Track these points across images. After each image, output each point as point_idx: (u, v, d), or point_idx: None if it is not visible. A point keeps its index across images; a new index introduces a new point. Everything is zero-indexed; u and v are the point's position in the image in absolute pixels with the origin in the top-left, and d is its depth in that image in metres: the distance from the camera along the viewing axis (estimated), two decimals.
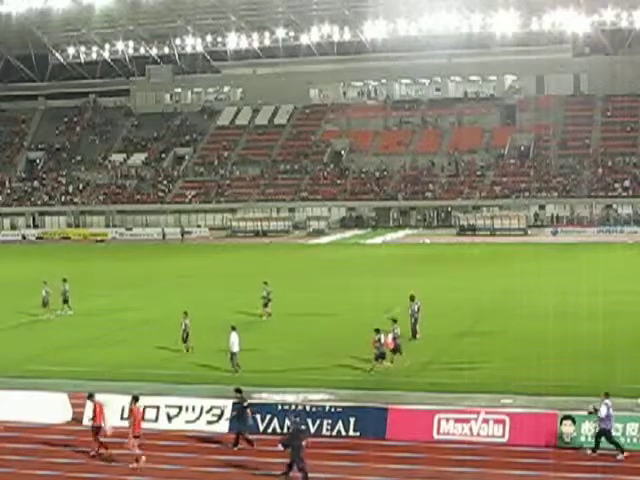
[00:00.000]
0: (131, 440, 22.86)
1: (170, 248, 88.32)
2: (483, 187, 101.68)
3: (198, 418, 25.72)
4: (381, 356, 31.18)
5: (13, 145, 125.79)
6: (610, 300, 44.53)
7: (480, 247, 79.34)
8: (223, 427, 25.23)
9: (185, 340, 34.98)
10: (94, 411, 23.71)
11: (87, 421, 24.24)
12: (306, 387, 29.06)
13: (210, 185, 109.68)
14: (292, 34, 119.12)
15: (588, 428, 23.53)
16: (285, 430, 24.26)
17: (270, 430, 24.89)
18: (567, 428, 23.74)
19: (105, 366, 32.85)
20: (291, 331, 39.60)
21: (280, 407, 25.48)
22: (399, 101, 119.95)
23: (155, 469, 22.72)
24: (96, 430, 23.59)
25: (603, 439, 23.04)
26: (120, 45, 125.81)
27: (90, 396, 24.36)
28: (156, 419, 25.85)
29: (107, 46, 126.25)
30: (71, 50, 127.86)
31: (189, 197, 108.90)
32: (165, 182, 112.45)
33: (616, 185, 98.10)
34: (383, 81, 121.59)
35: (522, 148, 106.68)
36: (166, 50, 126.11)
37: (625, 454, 22.79)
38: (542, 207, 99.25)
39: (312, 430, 24.80)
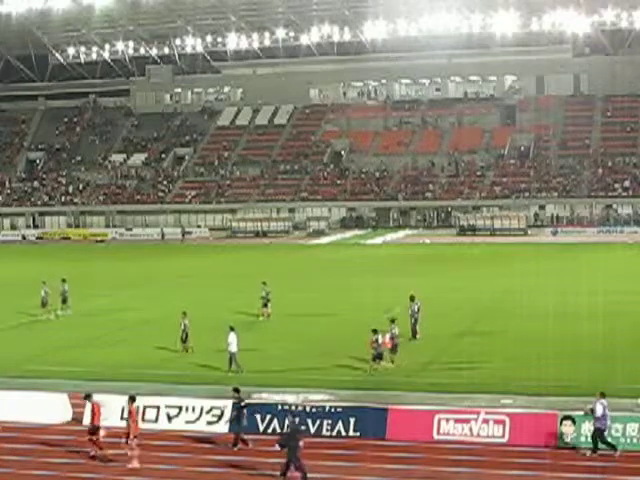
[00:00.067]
0: (132, 440, 22.84)
1: (170, 248, 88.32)
2: (483, 187, 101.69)
3: (198, 418, 25.70)
4: (378, 357, 31.19)
5: (13, 145, 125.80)
6: (610, 300, 44.53)
7: (480, 247, 79.35)
8: (223, 427, 25.20)
9: (184, 340, 34.98)
10: (92, 411, 23.71)
11: (87, 421, 24.18)
12: (306, 387, 29.05)
13: (210, 185, 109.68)
14: (292, 34, 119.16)
15: (588, 428, 23.48)
16: (284, 430, 24.24)
17: (270, 430, 24.87)
18: (567, 428, 23.72)
19: (105, 366, 32.83)
20: (291, 331, 39.59)
21: (280, 407, 25.47)
22: (399, 101, 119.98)
23: (155, 469, 22.70)
24: (94, 430, 23.58)
25: (606, 433, 23.09)
26: (120, 45, 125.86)
27: (87, 396, 24.34)
28: (156, 419, 25.84)
29: (107, 46, 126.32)
30: (71, 50, 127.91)
31: (189, 197, 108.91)
32: (165, 182, 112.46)
33: (616, 185, 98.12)
34: (383, 81, 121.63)
35: (522, 148, 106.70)
36: (166, 50, 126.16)
37: (618, 452, 22.80)
38: (542, 207, 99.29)
39: (312, 430, 24.82)
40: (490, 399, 27.12)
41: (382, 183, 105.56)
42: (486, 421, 24.30)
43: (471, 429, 24.32)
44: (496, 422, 24.23)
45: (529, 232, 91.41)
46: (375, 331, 31.27)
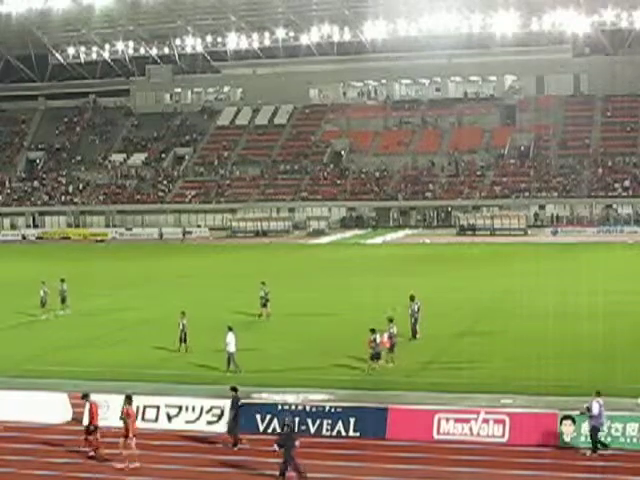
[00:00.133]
0: (132, 440, 22.84)
1: (170, 248, 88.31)
2: (483, 187, 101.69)
3: (198, 418, 25.70)
4: (376, 356, 31.21)
5: (13, 145, 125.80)
6: (610, 300, 44.53)
7: (480, 247, 79.34)
8: (223, 427, 25.12)
9: (183, 340, 34.98)
10: (89, 411, 23.71)
11: (85, 421, 24.16)
12: (305, 387, 29.04)
13: (210, 185, 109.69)
14: (292, 34, 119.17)
15: (588, 428, 23.49)
16: (282, 430, 24.23)
17: (270, 430, 24.86)
18: (567, 428, 23.72)
19: (105, 366, 32.82)
20: (291, 331, 39.59)
21: (280, 407, 25.47)
22: (399, 101, 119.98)
23: (155, 469, 22.70)
24: (92, 430, 23.58)
25: (601, 435, 23.13)
26: (120, 45, 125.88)
27: (85, 396, 24.34)
28: (156, 419, 25.85)
29: (107, 46, 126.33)
30: (71, 50, 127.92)
31: (189, 197, 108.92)
32: (165, 182, 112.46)
33: (616, 185, 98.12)
34: (383, 81, 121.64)
35: (522, 148, 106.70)
36: (166, 50, 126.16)
37: (595, 454, 22.87)
38: (542, 207, 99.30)
39: (312, 430, 24.83)
40: (490, 399, 27.11)
41: (382, 183, 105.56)
42: (486, 421, 24.30)
43: (471, 429, 24.33)
44: (496, 422, 24.23)
45: (529, 232, 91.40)
46: (373, 330, 31.28)
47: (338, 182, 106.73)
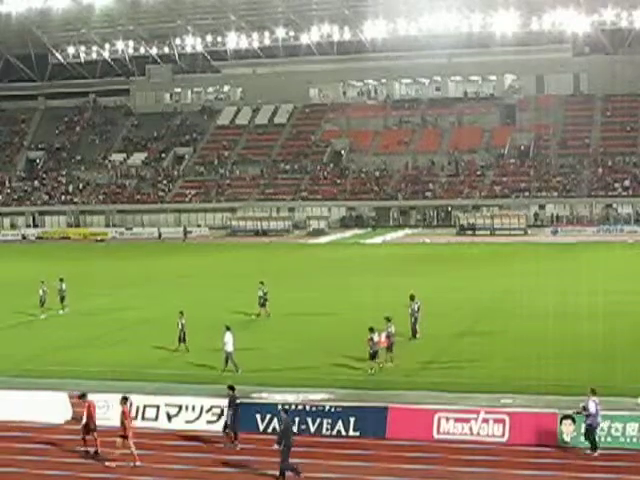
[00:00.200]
0: (130, 440, 22.86)
1: (170, 247, 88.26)
2: (483, 187, 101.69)
3: (198, 418, 25.71)
4: (374, 355, 31.22)
5: (13, 145, 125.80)
6: (610, 300, 44.52)
7: (480, 247, 79.33)
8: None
9: (183, 340, 34.99)
10: (87, 410, 23.71)
11: (84, 421, 24.18)
12: (305, 386, 29.05)
13: (210, 185, 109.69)
14: (292, 34, 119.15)
15: (584, 427, 23.50)
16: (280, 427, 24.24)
17: (270, 430, 24.86)
18: (567, 428, 23.74)
19: (105, 366, 32.81)
20: (290, 330, 39.60)
21: (280, 407, 25.44)
22: (399, 101, 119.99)
23: (155, 468, 22.72)
24: (89, 430, 23.58)
25: (600, 435, 23.15)
26: (120, 45, 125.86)
27: (82, 396, 24.37)
28: (156, 418, 25.87)
29: (107, 46, 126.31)
30: (71, 50, 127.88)
31: (189, 197, 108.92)
32: (165, 182, 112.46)
33: (616, 185, 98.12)
34: (383, 81, 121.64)
35: (522, 148, 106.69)
36: (166, 50, 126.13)
37: (596, 453, 22.85)
38: (542, 207, 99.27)
39: (312, 430, 24.84)
40: (490, 399, 27.11)
41: (382, 182, 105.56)
42: (486, 420, 24.31)
43: (471, 428, 24.34)
44: (496, 421, 24.24)
45: (529, 232, 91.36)
46: (372, 329, 31.31)
47: (338, 182, 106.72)
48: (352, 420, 24.87)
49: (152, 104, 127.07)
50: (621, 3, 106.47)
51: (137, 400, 25.96)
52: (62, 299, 45.48)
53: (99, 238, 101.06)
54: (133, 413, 25.38)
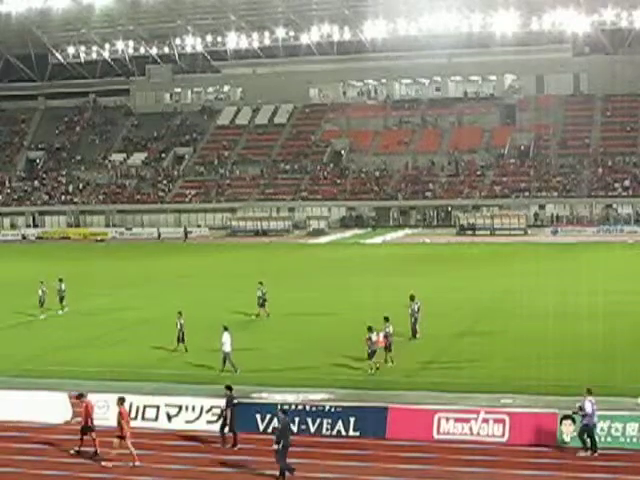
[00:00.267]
0: (127, 440, 22.87)
1: (170, 248, 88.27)
2: (483, 187, 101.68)
3: (198, 418, 25.70)
4: (372, 354, 31.22)
5: (13, 145, 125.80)
6: (610, 300, 44.50)
7: (480, 247, 79.32)
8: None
9: (181, 340, 34.98)
10: (84, 411, 23.70)
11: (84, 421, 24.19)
12: (305, 386, 29.04)
13: (210, 185, 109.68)
14: (292, 34, 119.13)
15: (581, 427, 23.48)
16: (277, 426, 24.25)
17: (270, 430, 24.84)
18: (567, 428, 23.72)
19: (105, 366, 32.79)
20: (290, 330, 39.59)
21: (280, 407, 25.43)
22: (399, 101, 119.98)
23: (155, 469, 22.71)
24: (87, 430, 23.57)
25: (600, 435, 23.14)
26: (120, 45, 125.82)
27: (80, 396, 24.35)
28: (156, 418, 25.86)
29: (107, 46, 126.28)
30: (71, 50, 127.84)
31: (189, 197, 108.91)
32: (165, 182, 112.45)
33: (616, 185, 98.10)
34: (383, 81, 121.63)
35: (522, 148, 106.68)
36: (166, 50, 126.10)
37: (587, 454, 22.84)
38: (542, 207, 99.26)
39: (312, 430, 24.84)
40: (490, 399, 27.10)
41: (382, 182, 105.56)
42: (486, 420, 24.30)
43: (471, 428, 24.33)
44: (496, 421, 24.24)
45: (529, 232, 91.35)
46: (370, 328, 31.33)
47: (338, 182, 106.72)
48: (352, 420, 24.86)
49: (152, 104, 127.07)
50: (621, 3, 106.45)
51: (137, 400, 25.96)
52: (61, 299, 45.50)
53: (99, 238, 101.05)
54: (133, 413, 25.40)
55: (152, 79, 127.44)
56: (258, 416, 25.22)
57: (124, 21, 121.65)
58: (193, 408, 25.81)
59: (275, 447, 21.80)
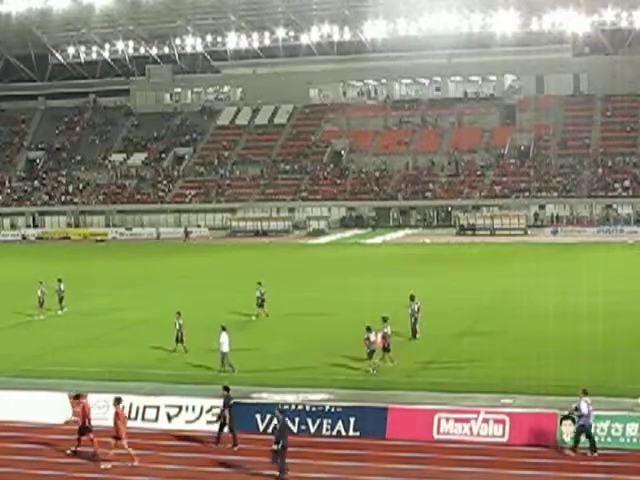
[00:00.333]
0: (124, 441, 22.85)
1: (170, 248, 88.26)
2: (483, 187, 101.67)
3: (198, 418, 25.69)
4: (372, 354, 31.20)
5: (13, 145, 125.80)
6: (610, 300, 44.50)
7: (480, 247, 79.31)
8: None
9: (180, 340, 34.97)
10: (82, 411, 23.69)
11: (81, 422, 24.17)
12: (305, 387, 29.02)
13: (210, 185, 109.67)
14: (292, 34, 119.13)
15: (576, 428, 23.46)
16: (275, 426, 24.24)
17: (270, 430, 24.81)
18: (567, 428, 23.70)
19: (104, 366, 32.76)
20: (290, 330, 39.57)
21: (278, 407, 25.41)
22: (399, 101, 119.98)
23: (154, 469, 22.69)
24: (84, 430, 23.56)
25: (600, 435, 23.13)
26: (120, 45, 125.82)
27: (77, 396, 24.33)
28: (156, 419, 25.85)
29: (107, 46, 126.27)
30: (71, 50, 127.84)
31: (189, 197, 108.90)
32: (165, 182, 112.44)
33: (616, 185, 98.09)
34: (383, 81, 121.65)
35: (522, 148, 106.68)
36: (166, 50, 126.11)
37: (596, 454, 22.86)
38: (542, 207, 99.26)
39: (312, 430, 24.83)
40: (490, 399, 27.09)
41: (382, 183, 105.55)
42: (486, 421, 24.29)
43: (471, 429, 24.32)
44: (496, 422, 24.22)
45: (529, 232, 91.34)
46: (369, 328, 31.32)
47: (338, 182, 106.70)
48: (352, 420, 24.84)
49: (152, 104, 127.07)
50: (621, 3, 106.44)
51: (137, 401, 25.95)
52: (61, 300, 45.48)
53: (99, 238, 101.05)
54: (133, 414, 25.38)
55: (152, 79, 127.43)
56: (258, 416, 25.21)
57: (124, 21, 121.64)
58: (193, 408, 25.81)
59: (275, 447, 21.79)
